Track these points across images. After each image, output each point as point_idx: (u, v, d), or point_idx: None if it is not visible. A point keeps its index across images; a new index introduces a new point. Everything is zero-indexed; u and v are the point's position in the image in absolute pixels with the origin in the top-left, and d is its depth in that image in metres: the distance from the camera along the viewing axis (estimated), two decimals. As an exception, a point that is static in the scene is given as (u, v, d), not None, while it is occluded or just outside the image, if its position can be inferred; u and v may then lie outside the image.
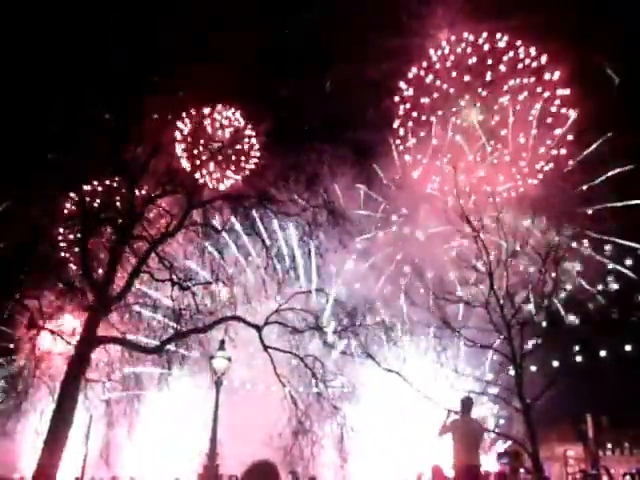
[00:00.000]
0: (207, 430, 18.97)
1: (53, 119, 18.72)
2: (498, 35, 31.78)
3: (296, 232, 23.66)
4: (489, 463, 25.64)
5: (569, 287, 26.09)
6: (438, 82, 33.38)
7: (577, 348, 23.80)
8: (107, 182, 22.75)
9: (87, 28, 18.76)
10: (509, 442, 27.11)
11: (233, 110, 29.32)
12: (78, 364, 17.92)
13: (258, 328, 20.62)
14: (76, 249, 20.35)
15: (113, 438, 25.53)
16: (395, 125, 34.09)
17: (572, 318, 24.81)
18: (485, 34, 31.97)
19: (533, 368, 23.04)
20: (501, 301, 21.70)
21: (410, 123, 34.24)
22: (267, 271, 22.35)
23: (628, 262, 30.10)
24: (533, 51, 31.50)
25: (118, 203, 21.73)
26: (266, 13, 28.21)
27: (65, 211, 22.82)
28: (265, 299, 22.79)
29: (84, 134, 19.42)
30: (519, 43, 31.57)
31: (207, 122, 26.80)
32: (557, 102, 31.35)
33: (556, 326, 23.66)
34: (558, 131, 31.39)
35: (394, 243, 33.27)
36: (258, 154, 28.57)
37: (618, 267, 30.11)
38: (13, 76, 17.83)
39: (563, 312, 24.55)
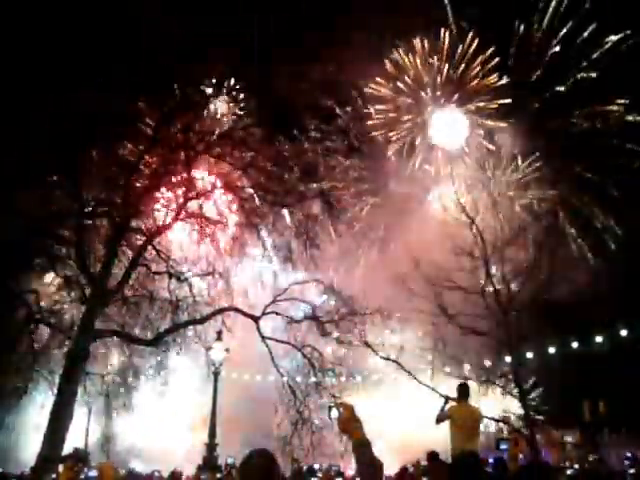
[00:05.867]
0: (205, 420, 19.12)
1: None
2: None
3: (292, 222, 23.63)
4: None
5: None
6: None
7: (573, 334, 23.94)
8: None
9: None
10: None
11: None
12: (77, 357, 17.96)
13: (255, 319, 20.67)
14: (73, 243, 20.27)
15: (112, 430, 25.61)
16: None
17: (568, 303, 24.85)
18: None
19: (529, 355, 23.19)
20: (498, 286, 21.79)
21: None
22: (263, 262, 22.37)
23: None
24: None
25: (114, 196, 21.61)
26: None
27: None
28: (262, 290, 22.82)
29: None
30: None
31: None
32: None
33: (552, 312, 23.77)
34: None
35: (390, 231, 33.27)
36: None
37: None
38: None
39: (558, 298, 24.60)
